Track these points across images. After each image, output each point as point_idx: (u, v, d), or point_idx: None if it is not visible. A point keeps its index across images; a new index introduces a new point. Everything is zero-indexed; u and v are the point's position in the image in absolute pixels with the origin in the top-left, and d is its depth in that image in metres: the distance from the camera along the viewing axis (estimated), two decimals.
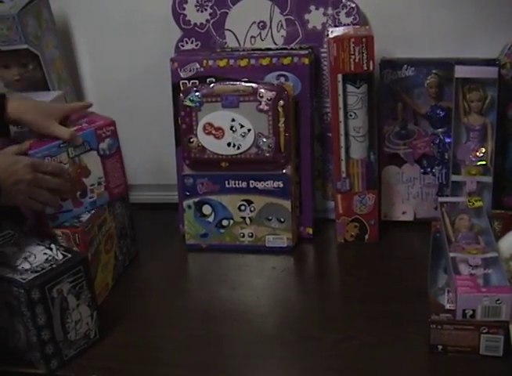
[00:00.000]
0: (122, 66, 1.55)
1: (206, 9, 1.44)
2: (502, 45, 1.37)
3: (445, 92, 1.39)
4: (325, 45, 1.41)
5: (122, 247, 1.40)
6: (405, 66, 1.39)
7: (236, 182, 1.41)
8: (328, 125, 1.45)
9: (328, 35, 1.35)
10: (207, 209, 1.44)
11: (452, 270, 1.14)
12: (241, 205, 1.43)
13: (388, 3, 1.40)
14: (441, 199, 1.35)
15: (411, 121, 1.43)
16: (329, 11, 1.40)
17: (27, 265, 1.13)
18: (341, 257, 1.44)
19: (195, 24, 1.45)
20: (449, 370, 1.09)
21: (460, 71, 1.33)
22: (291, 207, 1.41)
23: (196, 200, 1.44)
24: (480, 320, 1.08)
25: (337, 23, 1.40)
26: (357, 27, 1.38)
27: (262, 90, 1.36)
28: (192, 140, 1.41)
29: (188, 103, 1.39)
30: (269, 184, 1.40)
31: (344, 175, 1.40)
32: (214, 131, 1.39)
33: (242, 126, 1.37)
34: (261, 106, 1.36)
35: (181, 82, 1.42)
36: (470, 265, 1.15)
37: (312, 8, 1.41)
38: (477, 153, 1.37)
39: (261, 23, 1.44)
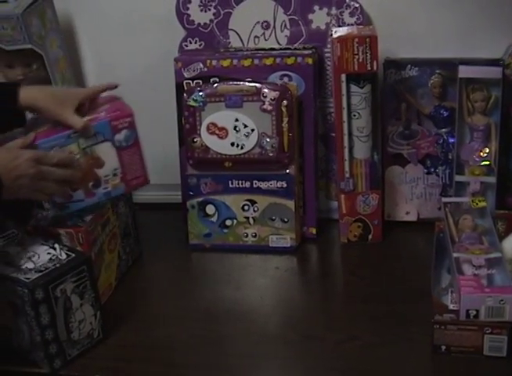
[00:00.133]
0: (126, 65, 1.55)
1: (209, 9, 1.44)
2: (506, 45, 1.37)
3: (448, 92, 1.39)
4: (328, 45, 1.41)
5: (125, 247, 1.40)
6: (409, 66, 1.39)
7: (240, 182, 1.41)
8: (332, 125, 1.45)
9: (332, 35, 1.35)
10: (210, 209, 1.44)
11: (456, 270, 1.14)
12: (244, 205, 1.43)
13: (392, 3, 1.40)
14: (444, 199, 1.35)
15: (415, 121, 1.43)
16: (333, 11, 1.40)
17: (30, 265, 1.13)
18: (345, 257, 1.44)
19: (199, 24, 1.46)
20: (453, 370, 1.09)
21: (464, 71, 1.33)
22: (295, 207, 1.41)
23: (200, 199, 1.44)
24: (483, 321, 1.08)
25: (340, 23, 1.40)
26: (361, 27, 1.38)
27: (266, 90, 1.36)
28: (195, 140, 1.41)
29: (191, 102, 1.39)
30: (273, 184, 1.40)
31: (347, 175, 1.40)
32: (217, 131, 1.39)
33: (245, 126, 1.37)
34: (264, 106, 1.36)
35: (184, 82, 1.42)
36: (474, 266, 1.15)
37: (316, 8, 1.41)
38: (481, 154, 1.36)
39: (265, 23, 1.44)
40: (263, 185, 1.41)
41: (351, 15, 1.39)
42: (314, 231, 1.47)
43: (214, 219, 1.45)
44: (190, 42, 1.47)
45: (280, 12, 1.43)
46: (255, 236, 1.44)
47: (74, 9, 1.53)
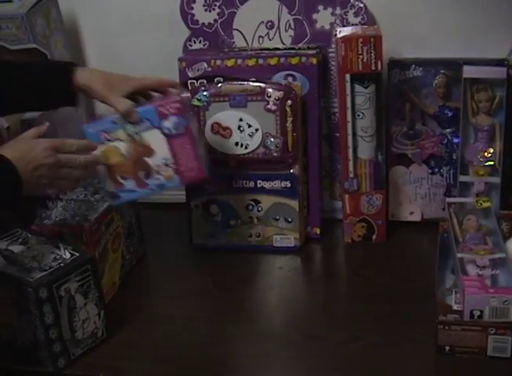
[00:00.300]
0: (130, 65, 1.54)
1: (214, 9, 1.44)
2: (511, 45, 1.36)
3: (453, 92, 1.39)
4: (333, 45, 1.41)
5: (129, 247, 1.40)
6: (414, 66, 1.39)
7: (244, 181, 1.41)
8: (336, 125, 1.45)
9: (336, 35, 1.35)
10: (214, 209, 1.44)
11: (460, 271, 1.14)
12: (248, 205, 1.43)
13: (397, 3, 1.40)
14: (448, 199, 1.35)
15: (419, 121, 1.43)
16: (338, 11, 1.40)
17: (34, 264, 1.14)
18: (348, 257, 1.44)
19: (203, 24, 1.46)
20: (457, 371, 1.09)
21: (468, 71, 1.33)
22: (299, 207, 1.41)
23: (204, 199, 1.44)
24: (488, 321, 1.08)
25: (345, 23, 1.40)
26: (365, 26, 1.37)
27: (270, 90, 1.36)
28: None
29: (196, 102, 1.39)
30: (277, 184, 1.40)
31: (351, 175, 1.40)
32: (221, 131, 1.39)
33: (249, 126, 1.37)
34: (268, 106, 1.36)
35: (189, 82, 1.42)
36: (478, 266, 1.15)
37: (320, 8, 1.41)
38: (486, 154, 1.36)
39: (269, 23, 1.44)
40: (267, 185, 1.41)
41: (356, 15, 1.39)
42: (318, 231, 1.47)
43: (218, 219, 1.45)
44: (194, 42, 1.47)
45: (285, 11, 1.42)
46: (259, 236, 1.44)
47: (79, 8, 1.54)
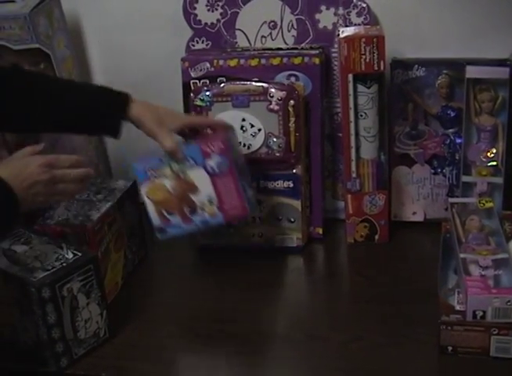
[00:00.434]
0: (133, 65, 1.55)
1: (217, 9, 1.44)
2: None
3: (455, 92, 1.39)
4: (335, 45, 1.41)
5: (132, 246, 1.40)
6: (416, 66, 1.39)
7: None
8: (338, 125, 1.45)
9: (339, 35, 1.35)
10: None
11: (463, 271, 1.14)
12: None
13: (399, 3, 1.40)
14: (451, 200, 1.35)
15: (422, 121, 1.43)
16: (340, 11, 1.40)
17: (37, 264, 1.14)
18: (351, 257, 1.44)
19: (206, 24, 1.46)
20: (459, 371, 1.09)
21: (471, 72, 1.33)
22: (301, 207, 1.41)
23: None
24: (490, 322, 1.08)
25: (347, 23, 1.40)
26: (368, 26, 1.37)
27: (273, 90, 1.36)
28: None
29: (198, 102, 1.39)
30: (279, 184, 1.40)
31: (354, 175, 1.40)
32: None
33: (252, 126, 1.37)
34: (271, 106, 1.36)
35: (191, 82, 1.42)
36: (481, 266, 1.15)
37: (323, 8, 1.40)
38: (488, 154, 1.36)
39: (272, 23, 1.44)
40: (269, 185, 1.41)
41: (359, 15, 1.39)
42: (320, 231, 1.47)
43: None
44: (197, 42, 1.47)
45: (287, 12, 1.42)
46: (262, 236, 1.44)
47: (81, 8, 1.54)
